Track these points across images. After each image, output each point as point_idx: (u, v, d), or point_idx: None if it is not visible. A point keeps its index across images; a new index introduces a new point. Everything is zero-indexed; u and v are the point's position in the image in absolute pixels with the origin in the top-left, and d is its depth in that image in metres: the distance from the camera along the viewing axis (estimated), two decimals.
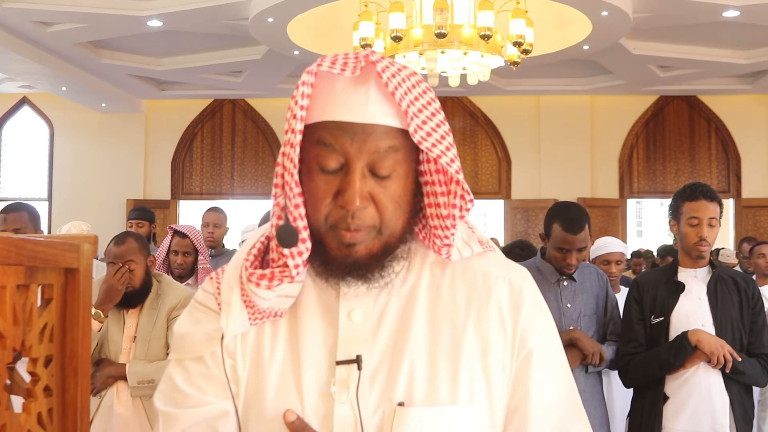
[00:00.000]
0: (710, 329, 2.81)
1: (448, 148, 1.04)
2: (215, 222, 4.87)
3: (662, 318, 2.85)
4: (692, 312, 2.83)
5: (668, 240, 16.71)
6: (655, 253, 9.14)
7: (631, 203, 13.65)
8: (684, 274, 2.90)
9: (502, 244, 10.23)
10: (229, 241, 5.56)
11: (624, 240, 10.38)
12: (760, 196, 12.05)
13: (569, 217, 2.90)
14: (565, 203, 3.10)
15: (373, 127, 1.02)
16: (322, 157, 1.03)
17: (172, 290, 3.13)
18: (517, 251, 4.17)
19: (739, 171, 12.15)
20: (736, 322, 2.84)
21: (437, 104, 1.08)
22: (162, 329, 3.04)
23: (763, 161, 12.10)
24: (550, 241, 2.94)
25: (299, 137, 1.02)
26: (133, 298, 3.05)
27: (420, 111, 1.03)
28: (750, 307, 2.86)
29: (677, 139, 12.30)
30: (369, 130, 1.02)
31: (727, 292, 2.85)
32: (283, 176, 1.05)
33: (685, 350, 2.77)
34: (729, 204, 12.28)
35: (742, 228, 11.96)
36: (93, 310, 2.94)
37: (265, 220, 4.85)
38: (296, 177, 1.04)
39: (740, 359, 2.75)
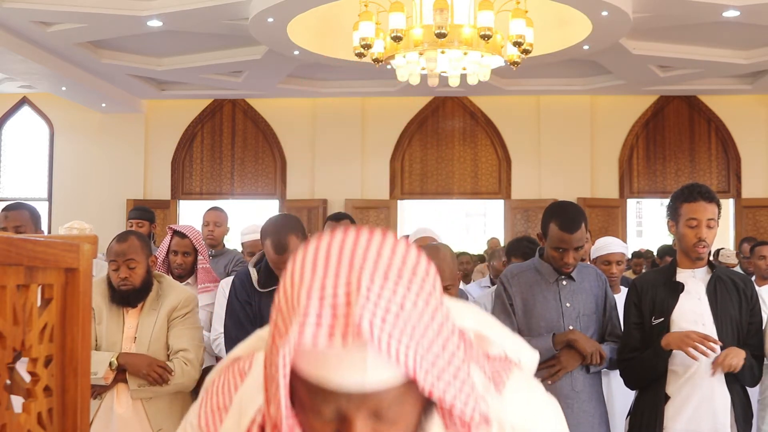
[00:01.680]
0: (711, 329, 2.81)
1: (468, 396, 0.91)
2: (215, 221, 4.84)
3: (662, 319, 2.85)
4: (692, 312, 2.83)
5: (668, 240, 16.70)
6: (654, 253, 9.13)
7: (631, 203, 13.64)
8: (683, 275, 2.90)
9: (502, 243, 10.26)
10: (229, 241, 5.55)
11: (624, 240, 10.37)
12: (760, 196, 12.05)
13: (566, 217, 2.91)
14: (562, 203, 3.11)
15: (373, 391, 0.87)
16: (316, 410, 0.90)
17: (173, 291, 3.13)
18: (525, 243, 4.20)
19: (739, 171, 12.15)
20: (736, 322, 2.84)
21: (450, 324, 0.91)
22: (162, 330, 3.04)
23: (763, 161, 12.10)
24: (548, 240, 2.95)
25: (285, 402, 0.88)
26: (133, 297, 3.04)
27: (433, 364, 0.87)
28: (749, 307, 2.86)
29: (677, 139, 12.30)
30: (369, 392, 0.87)
31: (726, 291, 2.86)
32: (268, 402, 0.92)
33: (659, 354, 2.79)
34: (729, 204, 12.28)
35: (742, 228, 11.95)
36: (114, 362, 2.93)
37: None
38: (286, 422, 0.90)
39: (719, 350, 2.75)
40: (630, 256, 9.11)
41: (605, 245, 4.11)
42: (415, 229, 4.37)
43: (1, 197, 13.12)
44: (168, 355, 3.02)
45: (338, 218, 3.92)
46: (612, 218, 12.15)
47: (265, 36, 8.78)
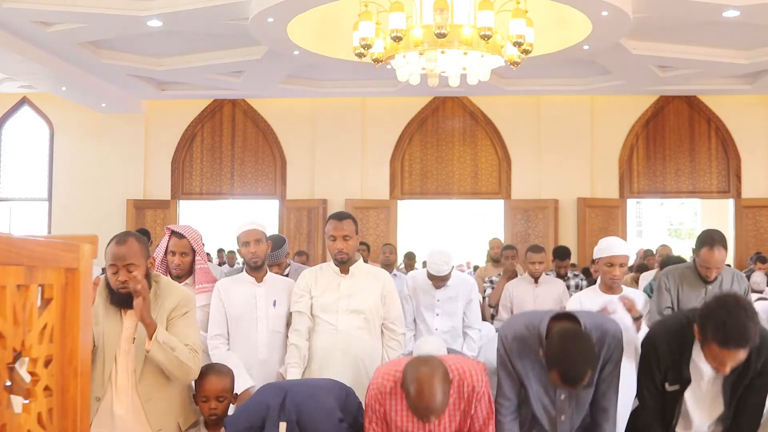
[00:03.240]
0: (719, 408, 2.75)
1: None
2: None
3: (677, 387, 2.77)
4: (704, 391, 2.75)
5: (668, 240, 16.66)
6: (654, 252, 9.07)
7: (631, 203, 13.64)
8: (699, 355, 2.68)
9: (503, 241, 10.23)
10: (228, 243, 5.47)
11: (624, 240, 10.36)
12: (760, 196, 12.05)
13: (567, 372, 2.58)
14: (564, 339, 2.65)
15: None
16: None
17: (171, 291, 3.11)
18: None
19: (739, 171, 12.15)
20: (737, 393, 2.74)
21: None
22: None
23: (763, 161, 12.10)
24: (547, 365, 2.68)
25: None
26: (132, 298, 3.03)
27: None
28: (749, 377, 2.71)
29: (677, 139, 12.30)
30: None
31: (739, 369, 2.66)
32: None
33: None
34: (729, 204, 12.30)
35: (742, 228, 11.96)
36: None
37: (277, 242, 4.72)
38: None
39: None
40: (638, 256, 9.04)
41: (609, 246, 3.94)
42: (430, 251, 4.45)
43: (1, 197, 13.13)
44: None
45: (341, 217, 3.88)
46: (612, 218, 12.15)
47: (265, 36, 8.78)
